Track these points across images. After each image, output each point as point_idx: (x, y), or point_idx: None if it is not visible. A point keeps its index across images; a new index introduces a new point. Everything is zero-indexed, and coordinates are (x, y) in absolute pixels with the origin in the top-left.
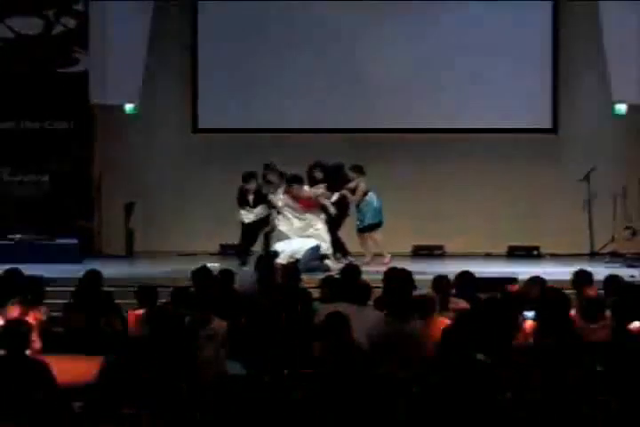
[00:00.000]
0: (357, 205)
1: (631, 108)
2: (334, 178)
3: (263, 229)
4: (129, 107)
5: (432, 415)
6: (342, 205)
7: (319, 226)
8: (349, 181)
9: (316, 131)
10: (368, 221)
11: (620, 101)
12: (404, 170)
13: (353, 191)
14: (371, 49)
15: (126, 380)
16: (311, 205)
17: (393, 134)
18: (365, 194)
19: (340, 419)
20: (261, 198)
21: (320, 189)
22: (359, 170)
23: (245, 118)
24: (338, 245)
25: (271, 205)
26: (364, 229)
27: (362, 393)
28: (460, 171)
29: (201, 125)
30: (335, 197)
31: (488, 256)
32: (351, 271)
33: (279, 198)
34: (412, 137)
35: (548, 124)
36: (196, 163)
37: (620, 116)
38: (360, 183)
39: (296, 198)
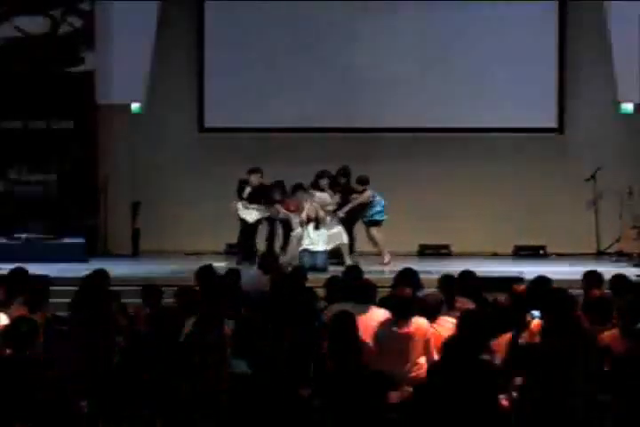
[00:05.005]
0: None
1: (638, 107)
2: (341, 189)
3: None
4: (135, 106)
5: (436, 415)
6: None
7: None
8: (354, 190)
9: (320, 130)
10: (374, 216)
11: (627, 101)
12: (411, 169)
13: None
14: (376, 49)
15: (128, 380)
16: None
17: (399, 134)
18: (373, 199)
19: (345, 417)
20: (259, 196)
21: (328, 199)
22: (365, 181)
23: (251, 118)
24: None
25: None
26: (368, 223)
27: (367, 392)
28: (466, 170)
29: (207, 125)
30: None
31: (494, 256)
32: (353, 271)
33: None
34: (417, 136)
35: (554, 124)
36: (202, 162)
37: (627, 116)
38: (365, 193)
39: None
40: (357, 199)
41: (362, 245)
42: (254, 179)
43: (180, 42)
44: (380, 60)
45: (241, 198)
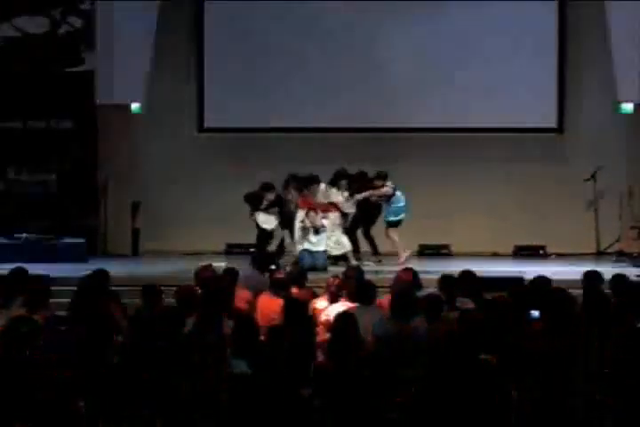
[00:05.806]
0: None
1: (638, 107)
2: (359, 185)
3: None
4: (135, 106)
5: (435, 415)
6: (372, 207)
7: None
8: (372, 187)
9: (322, 130)
10: (389, 217)
11: (626, 101)
12: (411, 169)
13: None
14: (379, 48)
15: (128, 380)
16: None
17: (400, 134)
18: (393, 194)
19: (345, 417)
20: (275, 205)
21: (339, 197)
22: (384, 177)
23: (251, 118)
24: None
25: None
26: (387, 224)
27: (368, 392)
28: (467, 170)
29: (206, 125)
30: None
31: (494, 256)
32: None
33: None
34: (418, 136)
35: (554, 124)
36: (201, 162)
37: (627, 116)
38: (384, 188)
39: (307, 202)
40: (375, 192)
41: (361, 245)
42: (270, 196)
43: (179, 42)
44: (385, 60)
45: (258, 209)
